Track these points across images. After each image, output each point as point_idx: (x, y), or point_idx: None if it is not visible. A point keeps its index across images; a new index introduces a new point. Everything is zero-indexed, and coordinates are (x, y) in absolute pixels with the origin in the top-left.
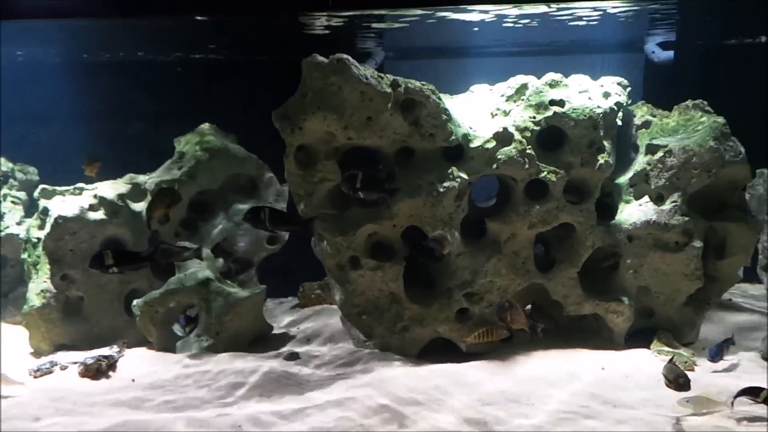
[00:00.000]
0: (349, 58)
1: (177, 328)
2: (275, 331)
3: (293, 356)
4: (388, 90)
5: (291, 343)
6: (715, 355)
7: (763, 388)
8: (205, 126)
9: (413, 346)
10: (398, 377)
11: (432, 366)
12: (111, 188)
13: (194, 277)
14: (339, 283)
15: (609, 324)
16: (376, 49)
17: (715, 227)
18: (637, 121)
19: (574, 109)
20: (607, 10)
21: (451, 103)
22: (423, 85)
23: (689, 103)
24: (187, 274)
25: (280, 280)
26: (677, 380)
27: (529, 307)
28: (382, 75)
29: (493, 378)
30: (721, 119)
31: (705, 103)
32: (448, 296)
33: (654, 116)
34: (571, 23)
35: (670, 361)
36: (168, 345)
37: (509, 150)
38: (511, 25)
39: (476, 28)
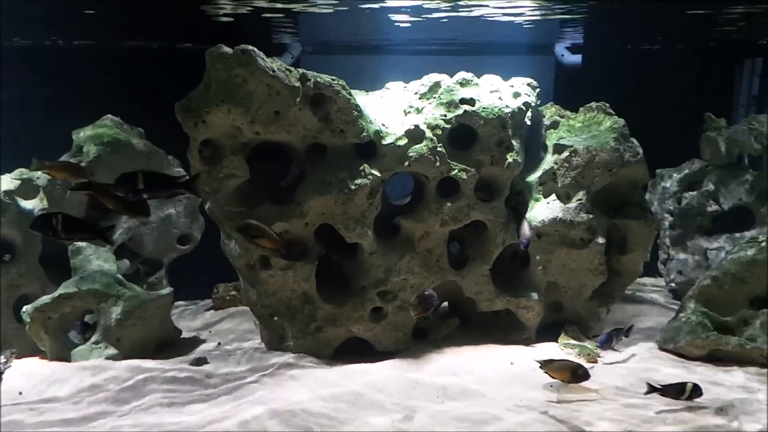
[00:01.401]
0: (255, 49)
1: (73, 336)
2: (185, 336)
3: (200, 361)
4: (297, 84)
5: (200, 347)
6: (605, 342)
7: (684, 384)
8: (107, 118)
9: (327, 347)
10: (310, 379)
11: (345, 366)
12: None
13: (91, 279)
14: (249, 284)
15: (520, 319)
16: (292, 42)
17: (617, 224)
18: (546, 121)
19: (484, 108)
20: (519, 14)
21: (366, 99)
22: (333, 79)
23: (593, 104)
24: (83, 277)
25: (196, 281)
26: (575, 372)
27: (446, 304)
28: (290, 68)
29: (405, 376)
30: (621, 121)
31: (607, 105)
32: (361, 295)
33: (562, 117)
34: (492, 24)
35: (549, 362)
36: (63, 354)
37: (420, 147)
38: (433, 22)
39: (396, 25)
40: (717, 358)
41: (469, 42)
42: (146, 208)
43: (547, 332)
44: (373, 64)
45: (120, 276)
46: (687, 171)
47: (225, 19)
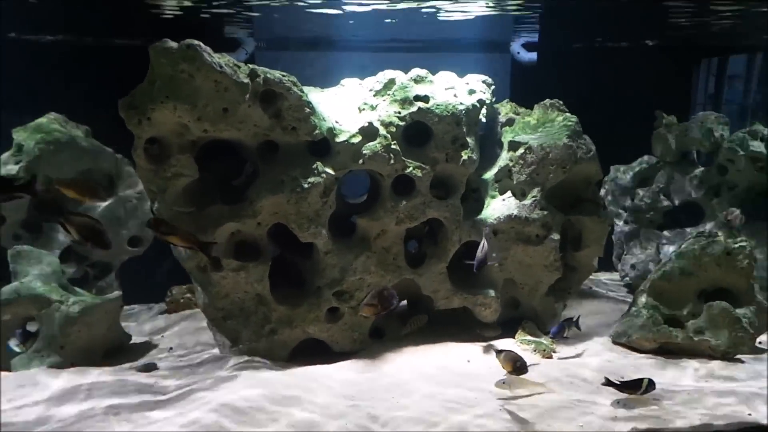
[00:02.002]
0: (201, 44)
1: (13, 344)
2: (136, 341)
3: (149, 367)
4: (246, 80)
5: (151, 352)
6: (557, 333)
7: (641, 380)
8: (51, 116)
9: (282, 349)
10: (263, 384)
11: (300, 368)
12: None
13: (32, 285)
14: (201, 286)
15: (477, 316)
16: (246, 38)
17: (572, 220)
18: (502, 118)
19: (438, 105)
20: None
21: (320, 96)
22: (284, 76)
23: (547, 102)
24: (23, 282)
25: (150, 283)
26: (515, 364)
27: (405, 302)
28: (239, 64)
29: (361, 377)
30: (574, 118)
31: (561, 102)
32: (317, 296)
33: (517, 114)
34: (451, 22)
35: (499, 352)
36: (3, 364)
37: (374, 145)
38: (391, 18)
39: (352, 21)
40: (667, 351)
41: (427, 39)
42: (107, 240)
43: (506, 328)
44: (330, 60)
45: (64, 280)
46: (639, 167)
47: (175, 13)
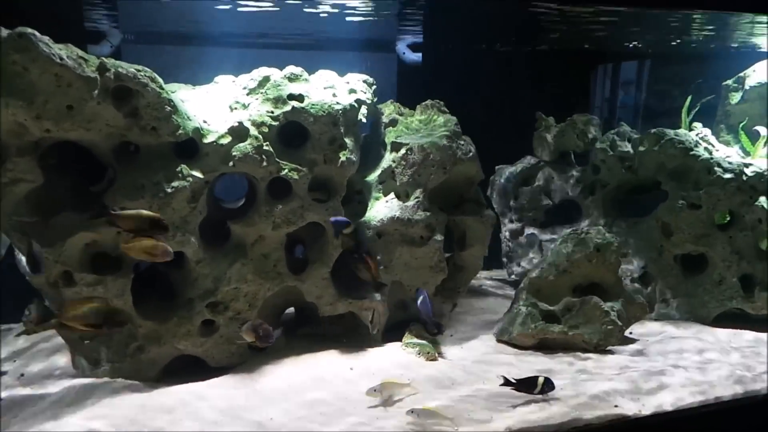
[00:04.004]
0: (36, 33)
1: None
2: None
3: None
4: (93, 75)
5: None
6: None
7: (535, 378)
8: None
9: (151, 368)
10: (124, 409)
11: (169, 388)
12: None
13: None
14: (54, 304)
15: (364, 321)
16: (111, 29)
17: (457, 221)
18: (385, 119)
19: (313, 104)
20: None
21: (189, 94)
22: (139, 70)
23: (428, 103)
24: None
25: (7, 301)
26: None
27: (292, 309)
28: (86, 57)
29: (236, 393)
30: (453, 119)
31: (441, 103)
32: (188, 308)
33: (401, 114)
34: (337, 20)
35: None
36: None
37: (244, 146)
38: (275, 14)
39: (231, 15)
40: (546, 346)
41: (316, 37)
42: None
43: (396, 332)
44: (209, 56)
45: None
46: (521, 167)
47: None
